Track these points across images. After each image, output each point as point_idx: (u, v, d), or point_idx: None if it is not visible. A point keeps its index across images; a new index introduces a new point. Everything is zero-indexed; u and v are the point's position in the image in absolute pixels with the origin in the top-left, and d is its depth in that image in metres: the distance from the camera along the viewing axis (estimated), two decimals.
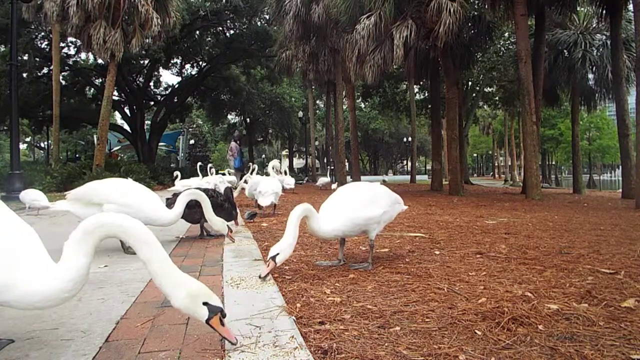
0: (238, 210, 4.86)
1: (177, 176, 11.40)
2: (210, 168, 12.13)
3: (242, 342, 1.58)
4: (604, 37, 16.75)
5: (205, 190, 4.08)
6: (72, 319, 1.91)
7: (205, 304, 1.51)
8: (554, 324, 1.84)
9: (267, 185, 6.12)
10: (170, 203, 3.87)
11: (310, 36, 18.69)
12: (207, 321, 1.52)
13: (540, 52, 13.12)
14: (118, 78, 18.20)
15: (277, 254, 2.48)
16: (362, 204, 2.92)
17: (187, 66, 28.47)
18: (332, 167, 20.76)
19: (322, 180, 15.78)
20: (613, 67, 13.35)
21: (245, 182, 7.82)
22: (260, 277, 2.49)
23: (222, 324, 1.53)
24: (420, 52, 14.60)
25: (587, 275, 2.69)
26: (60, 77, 18.59)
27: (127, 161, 23.26)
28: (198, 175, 10.80)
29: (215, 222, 3.61)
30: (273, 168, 7.40)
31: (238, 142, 14.14)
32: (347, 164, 26.41)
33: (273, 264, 2.48)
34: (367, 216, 2.90)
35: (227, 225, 3.69)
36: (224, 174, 13.07)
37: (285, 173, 10.40)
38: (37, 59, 21.24)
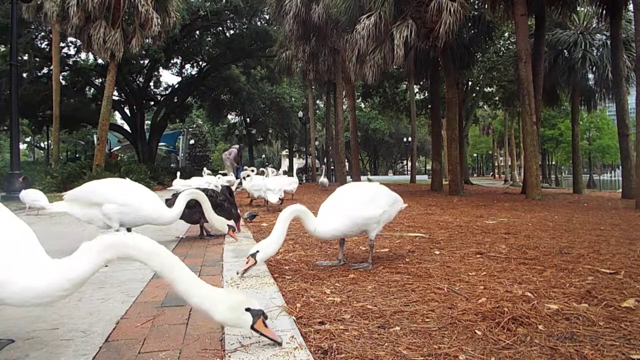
0: (239, 211, 4.83)
1: (177, 175, 11.39)
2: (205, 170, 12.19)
3: (242, 342, 1.58)
4: (604, 37, 16.74)
5: (205, 190, 4.08)
6: (72, 319, 1.91)
7: (247, 310, 1.50)
8: (554, 324, 1.84)
9: (275, 184, 6.93)
10: (170, 204, 3.87)
11: (310, 36, 18.68)
12: (252, 326, 1.50)
13: (540, 52, 13.12)
14: (118, 78, 18.19)
15: (258, 251, 2.46)
16: (361, 203, 2.90)
17: (187, 66, 28.51)
18: (332, 167, 20.68)
19: (322, 181, 15.63)
20: (613, 67, 13.34)
21: (240, 183, 8.28)
22: (237, 273, 2.47)
23: (266, 326, 1.53)
24: (420, 52, 14.59)
25: (587, 275, 2.69)
26: (60, 77, 18.59)
27: (127, 161, 23.29)
28: (201, 176, 10.87)
29: (215, 222, 3.61)
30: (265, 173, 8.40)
31: (239, 152, 14.59)
32: (347, 164, 26.41)
33: (253, 261, 2.45)
34: (367, 216, 2.88)
35: (228, 224, 3.69)
36: (224, 174, 13.07)
37: (286, 173, 10.65)
38: (37, 59, 21.24)
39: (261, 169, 8.88)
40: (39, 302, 1.42)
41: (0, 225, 1.44)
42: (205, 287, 1.48)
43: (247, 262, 2.45)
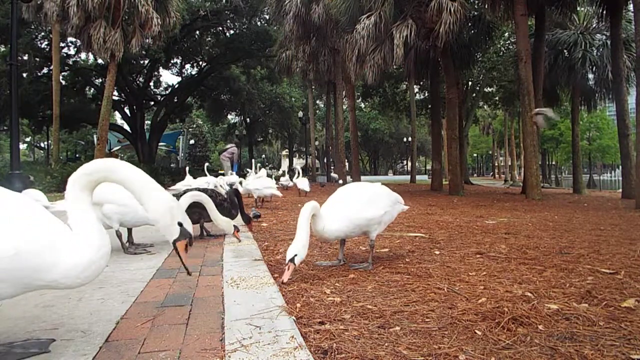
0: (246, 212, 4.74)
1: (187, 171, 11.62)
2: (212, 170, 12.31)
3: (242, 342, 1.58)
4: (604, 37, 16.74)
5: (204, 190, 4.08)
6: (72, 319, 1.91)
7: (179, 224, 1.59)
8: (554, 324, 1.84)
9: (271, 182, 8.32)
10: None
11: (310, 36, 18.71)
12: (175, 242, 1.60)
13: (540, 52, 13.12)
14: (118, 78, 18.20)
15: (295, 255, 2.47)
16: (362, 204, 2.88)
17: (187, 66, 28.55)
18: (332, 167, 20.68)
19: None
20: (613, 67, 13.34)
21: (240, 183, 8.70)
22: (282, 282, 2.45)
23: (186, 251, 1.63)
24: (420, 52, 14.60)
25: (587, 275, 2.69)
26: (60, 77, 18.60)
27: (127, 161, 23.27)
28: (205, 175, 11.09)
29: (221, 222, 3.60)
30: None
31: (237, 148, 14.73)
32: (347, 163, 26.41)
33: (293, 266, 2.48)
34: (368, 217, 2.87)
35: (234, 225, 3.70)
36: (223, 175, 13.08)
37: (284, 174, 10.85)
38: (37, 59, 21.26)
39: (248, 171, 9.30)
40: (91, 273, 1.48)
41: (35, 213, 1.47)
42: (155, 188, 1.60)
43: (288, 268, 2.47)
